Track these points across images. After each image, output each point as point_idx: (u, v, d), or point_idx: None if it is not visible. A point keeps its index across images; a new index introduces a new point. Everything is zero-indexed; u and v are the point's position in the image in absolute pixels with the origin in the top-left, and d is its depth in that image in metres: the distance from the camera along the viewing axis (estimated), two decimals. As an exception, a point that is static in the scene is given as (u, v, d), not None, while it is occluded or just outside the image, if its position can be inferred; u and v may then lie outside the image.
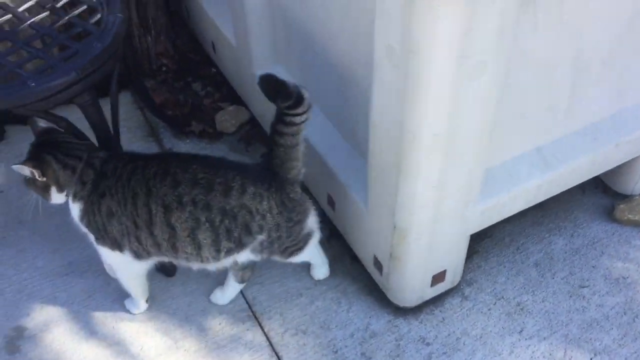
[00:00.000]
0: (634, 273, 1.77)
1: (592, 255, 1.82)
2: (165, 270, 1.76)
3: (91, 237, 1.51)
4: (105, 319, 1.69)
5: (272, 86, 1.34)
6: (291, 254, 1.55)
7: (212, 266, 1.52)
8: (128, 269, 1.57)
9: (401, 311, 1.70)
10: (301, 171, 1.46)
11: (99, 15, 1.52)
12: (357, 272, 1.78)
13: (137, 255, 1.49)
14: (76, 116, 1.51)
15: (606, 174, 1.85)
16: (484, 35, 1.12)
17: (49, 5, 1.57)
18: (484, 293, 1.74)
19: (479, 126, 1.30)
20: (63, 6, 1.57)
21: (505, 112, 1.37)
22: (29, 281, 1.77)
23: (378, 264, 1.65)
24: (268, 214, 1.42)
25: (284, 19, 1.73)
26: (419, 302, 1.69)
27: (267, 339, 1.65)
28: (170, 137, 2.13)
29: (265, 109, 1.83)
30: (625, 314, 1.69)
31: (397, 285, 1.64)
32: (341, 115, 1.66)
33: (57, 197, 1.46)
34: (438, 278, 1.65)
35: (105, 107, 1.54)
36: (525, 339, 1.64)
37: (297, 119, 1.35)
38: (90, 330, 1.67)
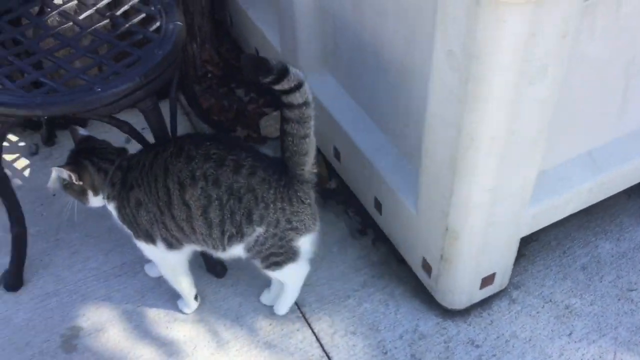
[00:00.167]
0: (682, 277, 1.77)
1: (639, 259, 1.81)
2: (215, 272, 1.80)
3: (131, 236, 1.56)
4: (158, 319, 1.73)
5: (253, 63, 1.28)
6: (271, 264, 1.52)
7: (223, 254, 1.52)
8: (166, 262, 1.61)
9: (449, 313, 1.71)
10: (312, 171, 1.43)
11: (158, 23, 1.56)
12: (404, 275, 1.79)
13: (169, 245, 1.52)
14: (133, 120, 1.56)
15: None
16: (547, 40, 1.13)
17: (109, 13, 1.62)
18: (532, 296, 1.75)
19: (536, 130, 1.31)
20: (122, 14, 1.62)
21: (559, 115, 1.38)
22: (83, 282, 1.81)
23: (427, 266, 1.66)
24: (272, 205, 1.40)
25: (334, 25, 1.76)
26: (468, 304, 1.70)
27: (317, 339, 1.68)
28: (216, 142, 2.17)
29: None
30: (674, 317, 1.69)
31: (446, 287, 1.65)
32: (390, 120, 1.69)
33: (93, 201, 1.53)
34: (487, 281, 1.66)
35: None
36: (575, 342, 1.65)
37: (293, 99, 1.29)
38: (144, 330, 1.71)
